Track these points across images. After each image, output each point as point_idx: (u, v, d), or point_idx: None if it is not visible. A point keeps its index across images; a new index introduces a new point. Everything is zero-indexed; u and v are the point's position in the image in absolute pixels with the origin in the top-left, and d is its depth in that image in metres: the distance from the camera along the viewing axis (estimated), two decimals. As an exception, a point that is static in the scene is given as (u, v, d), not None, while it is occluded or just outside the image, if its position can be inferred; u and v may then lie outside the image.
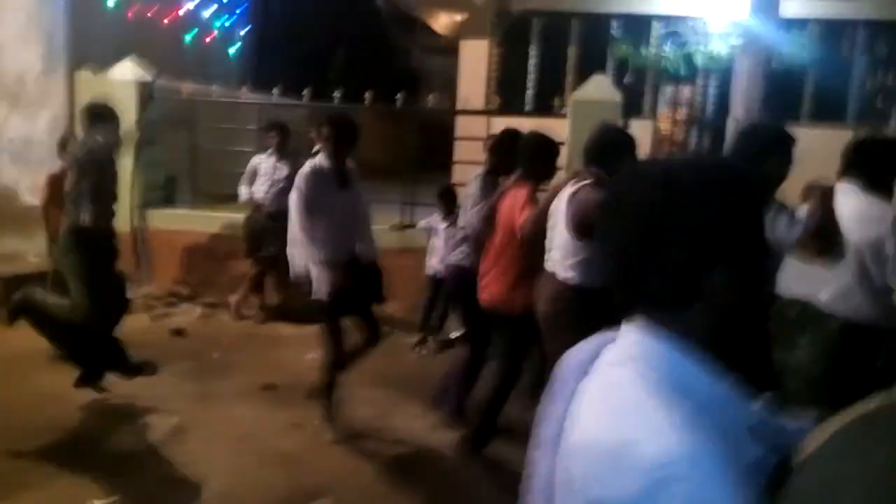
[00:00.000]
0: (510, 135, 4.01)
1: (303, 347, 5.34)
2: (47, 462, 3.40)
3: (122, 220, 6.30)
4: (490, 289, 3.56)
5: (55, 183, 5.00)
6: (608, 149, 3.06)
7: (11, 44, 6.81)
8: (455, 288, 4.24)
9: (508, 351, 3.62)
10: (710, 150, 9.09)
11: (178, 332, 5.47)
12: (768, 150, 2.63)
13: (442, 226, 5.42)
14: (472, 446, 3.64)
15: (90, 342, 4.04)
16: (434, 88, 14.03)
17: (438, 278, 5.47)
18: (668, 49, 9.24)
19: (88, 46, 6.94)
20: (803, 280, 2.67)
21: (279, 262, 6.02)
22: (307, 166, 3.76)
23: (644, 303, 0.90)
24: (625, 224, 0.88)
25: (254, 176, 6.00)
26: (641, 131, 7.02)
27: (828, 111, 8.86)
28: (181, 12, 9.59)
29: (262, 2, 12.03)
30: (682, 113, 9.81)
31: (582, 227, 2.94)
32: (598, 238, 0.95)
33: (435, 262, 5.47)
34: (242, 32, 11.43)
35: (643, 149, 7.07)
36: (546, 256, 3.19)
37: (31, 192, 6.67)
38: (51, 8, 6.84)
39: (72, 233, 3.84)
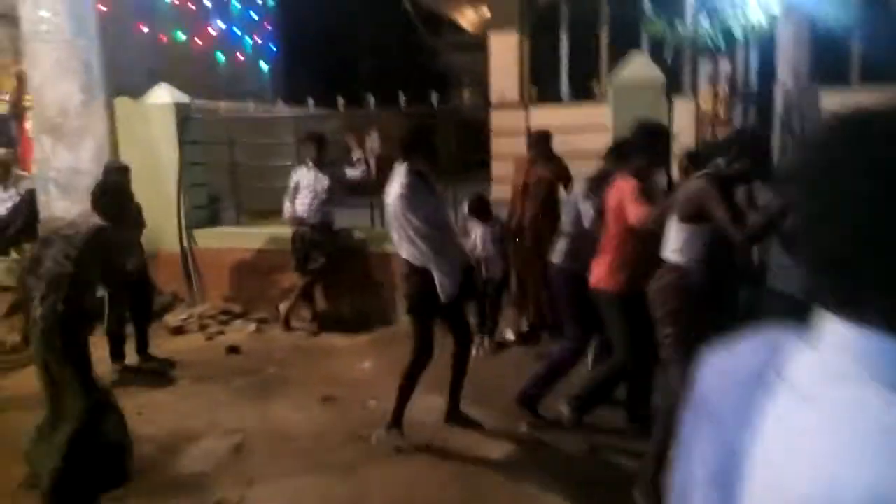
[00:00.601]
0: (619, 142, 4.12)
1: (356, 357, 5.33)
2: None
3: (171, 241, 6.40)
4: (597, 272, 3.62)
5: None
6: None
7: (51, 76, 6.94)
8: (565, 292, 4.09)
9: (621, 341, 3.62)
10: (758, 124, 8.76)
11: (233, 350, 5.49)
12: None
13: (480, 229, 5.33)
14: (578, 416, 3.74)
15: None
16: (465, 85, 13.97)
17: (485, 279, 5.41)
18: (704, 22, 8.94)
19: (124, 73, 7.06)
20: None
21: (327, 273, 6.06)
22: (405, 177, 3.65)
23: (874, 290, 0.65)
24: (853, 190, 0.66)
25: (296, 190, 5.99)
26: (684, 111, 6.83)
27: (878, 72, 8.45)
28: (212, 33, 9.71)
29: (290, 17, 12.13)
30: (723, 88, 9.50)
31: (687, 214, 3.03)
32: (803, 212, 0.71)
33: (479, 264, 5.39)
34: (273, 48, 11.53)
35: (686, 129, 6.90)
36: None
37: (82, 222, 6.81)
38: (86, 38, 6.95)
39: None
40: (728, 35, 8.83)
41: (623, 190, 3.46)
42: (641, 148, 3.51)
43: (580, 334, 4.02)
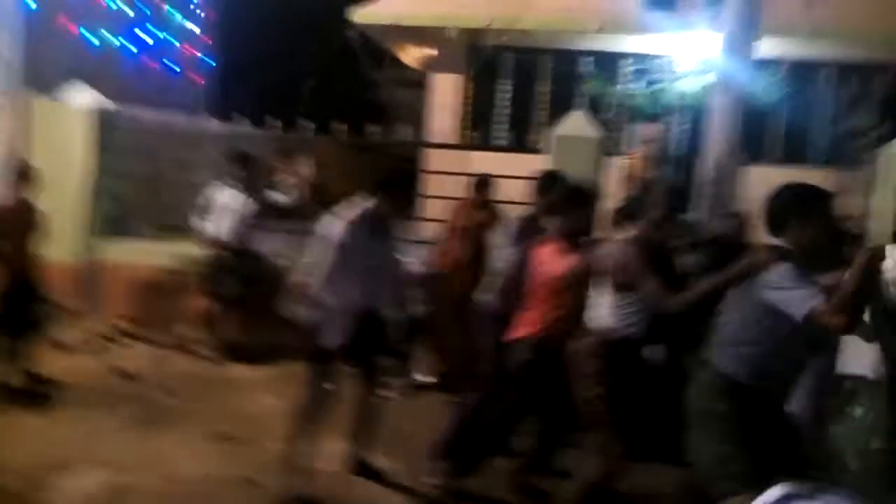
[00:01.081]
0: (552, 176, 4.05)
1: (258, 392, 5.02)
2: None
3: (70, 251, 5.94)
4: (523, 325, 3.51)
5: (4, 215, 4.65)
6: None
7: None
8: (490, 331, 3.96)
9: (517, 383, 3.50)
10: (679, 188, 9.04)
11: (125, 374, 5.07)
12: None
13: None
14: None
15: None
16: (401, 121, 13.95)
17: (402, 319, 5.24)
18: (638, 87, 9.23)
19: (45, 72, 6.62)
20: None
21: (240, 300, 5.73)
22: (354, 213, 3.57)
23: None
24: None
25: (214, 209, 5.68)
26: (616, 169, 6.95)
27: (797, 152, 8.91)
28: (147, 40, 9.34)
29: (230, 32, 11.85)
30: (650, 151, 9.79)
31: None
32: None
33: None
34: (209, 62, 11.20)
35: (614, 187, 7.01)
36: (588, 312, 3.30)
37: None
38: (7, 30, 6.51)
39: None
40: (660, 101, 9.18)
41: (549, 251, 3.45)
42: (569, 210, 3.49)
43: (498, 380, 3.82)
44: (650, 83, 9.15)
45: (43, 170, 4.97)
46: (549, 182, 3.92)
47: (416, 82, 11.28)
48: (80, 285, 6.13)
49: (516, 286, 3.66)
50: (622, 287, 3.08)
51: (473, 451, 3.62)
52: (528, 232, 3.82)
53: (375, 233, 3.60)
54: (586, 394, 3.14)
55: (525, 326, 3.49)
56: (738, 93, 6.54)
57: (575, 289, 3.34)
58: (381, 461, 3.88)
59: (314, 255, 3.56)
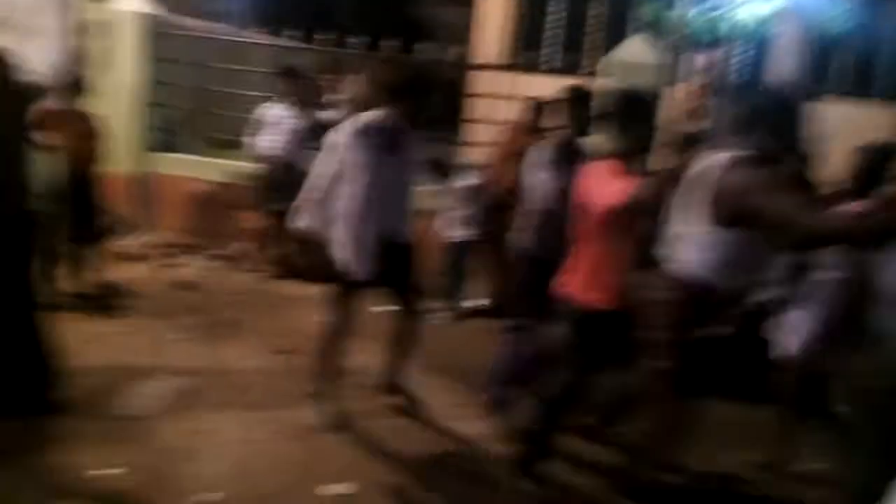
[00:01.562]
0: (584, 93, 3.44)
1: (313, 310, 5.09)
2: (48, 424, 3.17)
3: (124, 163, 5.99)
4: (571, 281, 2.94)
5: (50, 118, 4.66)
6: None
7: (6, -36, 6.34)
8: (527, 279, 3.48)
9: (577, 356, 2.95)
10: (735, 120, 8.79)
11: (183, 285, 5.21)
12: None
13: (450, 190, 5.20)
14: (521, 469, 3.09)
15: None
16: (448, 41, 13.58)
17: (454, 242, 5.29)
18: (699, 12, 8.84)
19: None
20: None
21: (288, 216, 5.78)
22: (357, 121, 3.22)
23: None
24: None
25: (265, 125, 5.66)
26: (670, 99, 6.75)
27: (864, 85, 8.55)
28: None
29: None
30: (705, 80, 9.47)
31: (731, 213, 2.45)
32: None
33: (448, 225, 5.29)
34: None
35: (670, 119, 6.83)
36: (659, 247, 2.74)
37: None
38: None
39: None
40: (720, 28, 8.80)
41: (601, 173, 2.83)
42: (628, 126, 2.89)
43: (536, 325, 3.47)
44: (711, 8, 8.77)
45: (95, 78, 4.96)
46: (582, 97, 3.41)
47: (464, 1, 10.91)
48: (133, 197, 6.22)
49: (556, 223, 3.16)
50: (725, 219, 2.45)
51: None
52: (566, 157, 3.32)
53: (385, 147, 3.22)
54: (654, 362, 2.69)
55: (579, 286, 2.88)
56: (805, 20, 6.26)
57: (641, 221, 2.76)
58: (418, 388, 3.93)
59: (317, 168, 3.27)
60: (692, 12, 8.71)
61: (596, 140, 3.24)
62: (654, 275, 2.68)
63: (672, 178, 2.74)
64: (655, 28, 8.74)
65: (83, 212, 4.84)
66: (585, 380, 2.98)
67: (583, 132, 3.36)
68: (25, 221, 3.26)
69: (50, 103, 4.75)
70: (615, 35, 7.82)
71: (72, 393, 3.45)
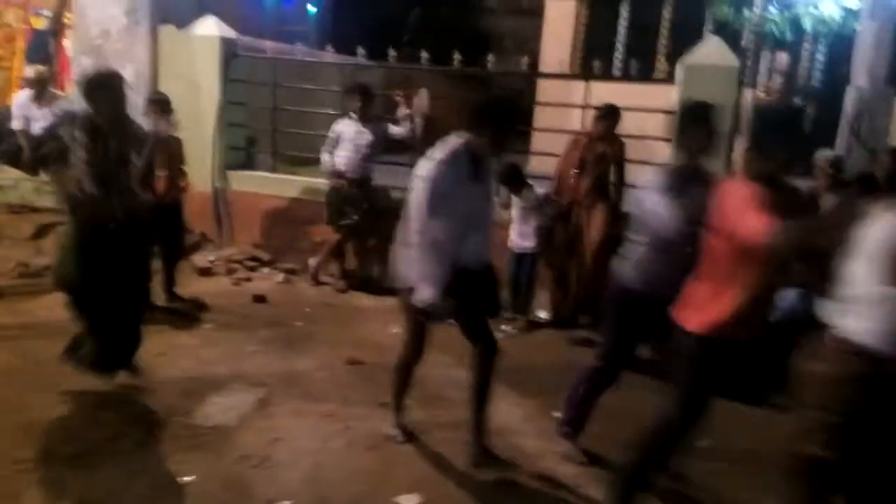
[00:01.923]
0: (705, 109, 3.03)
1: (383, 321, 5.18)
2: (132, 431, 3.31)
3: (203, 180, 6.24)
4: (686, 304, 2.65)
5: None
6: None
7: (97, -3, 6.75)
8: (622, 316, 3.18)
9: (687, 395, 2.66)
10: (817, 121, 8.42)
11: (260, 298, 5.36)
12: None
13: (518, 201, 5.16)
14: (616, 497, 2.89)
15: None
16: (509, 51, 13.60)
17: (518, 254, 5.26)
18: (773, 11, 8.54)
19: (172, 1, 6.82)
20: None
21: (361, 230, 5.89)
22: (445, 150, 3.02)
23: None
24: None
25: (337, 142, 5.79)
26: (747, 101, 6.54)
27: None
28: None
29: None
30: (779, 81, 9.14)
31: None
32: None
33: (514, 237, 5.26)
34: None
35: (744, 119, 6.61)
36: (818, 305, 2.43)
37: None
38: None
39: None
40: (796, 27, 8.48)
41: (737, 195, 2.47)
42: (772, 140, 2.62)
43: (618, 359, 3.24)
44: (785, 7, 8.46)
45: (173, 99, 5.19)
46: (703, 113, 3.01)
47: (528, 10, 10.90)
48: (210, 213, 6.46)
49: (672, 257, 2.89)
50: None
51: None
52: (686, 182, 2.98)
53: (472, 176, 3.05)
54: (807, 447, 2.31)
55: (700, 311, 2.57)
56: (887, 18, 5.96)
57: (784, 261, 2.47)
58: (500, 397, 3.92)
59: (412, 198, 3.04)
60: (766, 12, 8.42)
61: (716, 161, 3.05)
62: (817, 342, 2.33)
63: (836, 221, 2.45)
64: (727, 29, 8.51)
65: (170, 229, 5.08)
66: (698, 419, 2.67)
67: (704, 152, 3.02)
68: (142, 227, 3.71)
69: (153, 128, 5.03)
70: (686, 39, 7.63)
71: (153, 401, 3.61)
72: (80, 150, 3.43)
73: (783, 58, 8.79)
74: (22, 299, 5.03)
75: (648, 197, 3.04)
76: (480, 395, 3.28)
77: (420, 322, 3.27)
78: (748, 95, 6.66)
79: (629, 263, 3.12)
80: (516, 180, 5.13)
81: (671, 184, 3.00)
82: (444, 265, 3.01)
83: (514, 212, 5.22)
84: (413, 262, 3.05)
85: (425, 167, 2.99)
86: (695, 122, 2.99)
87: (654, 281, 2.96)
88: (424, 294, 3.01)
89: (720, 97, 5.13)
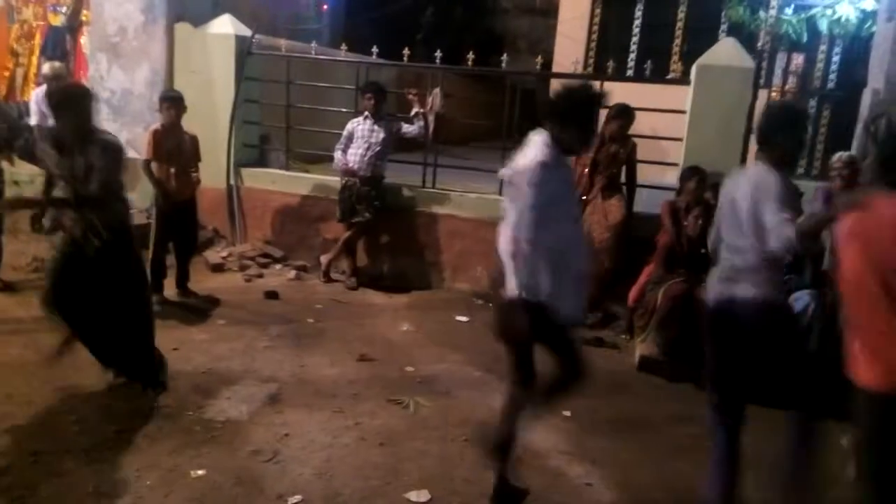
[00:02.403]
0: (798, 113, 2.83)
1: (394, 318, 5.21)
2: (144, 424, 3.34)
3: (216, 177, 6.28)
4: (854, 356, 2.12)
5: (158, 138, 4.96)
6: None
7: (114, -5, 6.81)
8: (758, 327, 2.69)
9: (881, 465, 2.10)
10: (832, 124, 8.36)
11: (272, 295, 5.39)
12: None
13: None
14: None
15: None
16: (521, 50, 13.60)
17: None
18: (789, 13, 8.47)
19: (188, 1, 6.87)
20: None
21: (372, 228, 5.92)
22: (539, 150, 2.71)
23: None
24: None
25: (349, 140, 5.82)
26: (760, 103, 6.49)
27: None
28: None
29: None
30: (794, 83, 9.08)
31: None
32: None
33: None
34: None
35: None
36: None
37: (129, 145, 6.71)
38: (152, -41, 6.76)
39: None
40: (812, 28, 8.40)
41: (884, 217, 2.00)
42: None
43: (730, 403, 2.77)
44: (801, 8, 8.39)
45: (188, 96, 5.23)
46: (792, 119, 2.71)
47: (541, 10, 10.89)
48: (223, 210, 6.50)
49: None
50: None
51: None
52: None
53: (565, 174, 2.85)
54: None
55: (864, 364, 2.07)
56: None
57: None
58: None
59: (509, 207, 2.75)
60: (781, 13, 8.36)
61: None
62: None
63: None
64: (741, 30, 8.45)
65: (184, 225, 5.12)
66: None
67: (791, 164, 2.80)
68: (129, 230, 3.66)
69: (156, 123, 5.07)
70: (699, 39, 7.61)
71: (165, 395, 3.64)
72: (51, 165, 3.48)
73: (799, 59, 8.72)
74: (36, 294, 5.07)
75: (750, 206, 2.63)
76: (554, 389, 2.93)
77: (527, 341, 2.81)
78: (763, 97, 6.61)
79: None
80: None
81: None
82: (565, 273, 2.72)
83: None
84: (527, 274, 2.66)
85: (527, 172, 2.67)
86: (785, 128, 2.67)
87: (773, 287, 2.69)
88: (571, 308, 2.74)
89: (735, 99, 5.14)
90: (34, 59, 7.44)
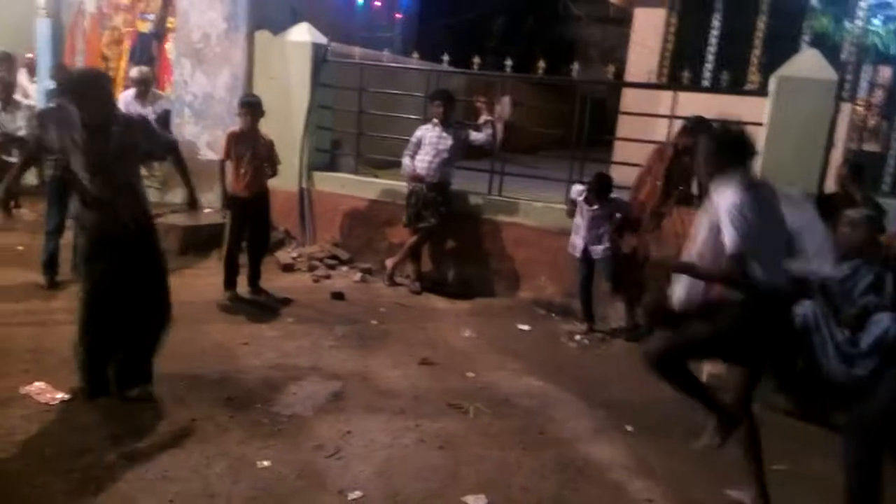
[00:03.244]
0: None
1: (456, 324, 5.25)
2: (216, 415, 3.47)
3: (289, 180, 6.47)
4: None
5: (235, 140, 5.16)
6: None
7: (200, 2, 7.11)
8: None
9: None
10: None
11: (339, 296, 5.52)
12: None
13: (587, 207, 5.11)
14: None
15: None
16: (593, 60, 13.47)
17: (586, 259, 5.21)
18: (876, 23, 8.12)
19: (268, 7, 7.11)
20: None
21: (437, 234, 5.98)
22: (739, 187, 2.75)
23: None
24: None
25: (418, 146, 5.90)
26: (842, 117, 6.25)
27: None
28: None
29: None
30: (882, 96, 8.67)
31: None
32: None
33: (582, 242, 5.19)
34: (408, -2, 11.42)
35: (839, 136, 6.31)
36: None
37: (209, 147, 7.01)
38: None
39: None
40: (901, 40, 8.02)
41: None
42: None
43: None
44: (889, 19, 8.03)
45: (265, 101, 5.41)
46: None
47: (614, 19, 10.78)
48: (295, 212, 6.69)
49: None
50: None
51: None
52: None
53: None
54: None
55: None
56: None
57: None
58: (575, 405, 3.90)
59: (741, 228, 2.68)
60: (868, 23, 8.01)
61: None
62: None
63: None
64: (825, 41, 8.14)
65: (256, 225, 5.31)
66: None
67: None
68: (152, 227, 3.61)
69: (235, 126, 5.28)
70: (781, 50, 7.37)
71: (237, 388, 3.78)
72: (79, 154, 3.29)
73: (886, 72, 8.34)
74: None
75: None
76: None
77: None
78: (846, 110, 6.37)
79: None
80: (607, 190, 5.09)
81: None
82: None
83: (583, 218, 5.16)
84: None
85: (733, 208, 2.69)
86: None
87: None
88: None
89: (815, 112, 4.97)
90: (122, 64, 7.83)
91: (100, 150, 3.29)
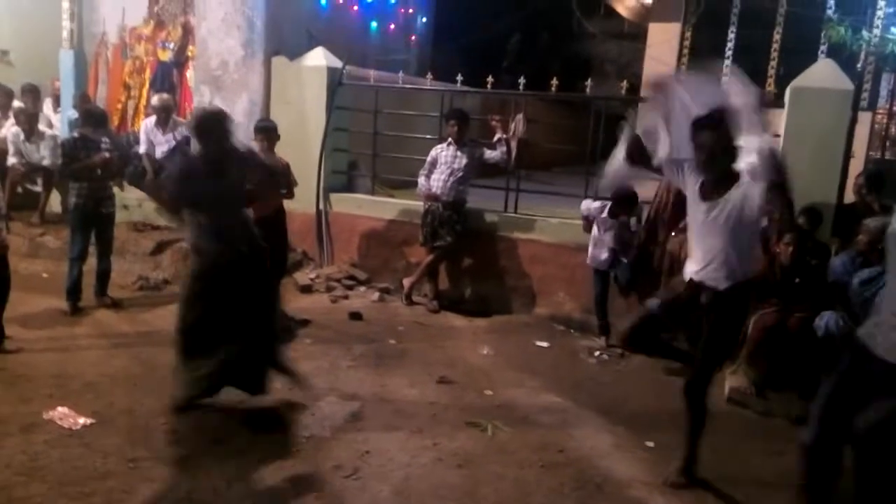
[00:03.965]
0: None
1: (474, 341, 5.24)
2: (236, 437, 3.49)
3: (306, 202, 6.54)
4: None
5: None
6: None
7: (218, 30, 7.25)
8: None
9: None
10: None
11: (356, 316, 5.54)
12: None
13: (604, 217, 5.13)
14: None
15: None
16: (607, 75, 13.49)
17: (603, 271, 5.22)
18: (895, 32, 8.04)
19: (284, 33, 7.23)
20: None
21: (454, 252, 6.00)
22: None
23: None
24: None
25: (433, 166, 5.95)
26: (861, 127, 6.18)
27: None
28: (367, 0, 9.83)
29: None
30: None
31: None
32: None
33: (598, 254, 5.20)
34: (422, 19, 11.54)
35: (859, 146, 6.23)
36: None
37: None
38: (253, -1, 7.18)
39: None
40: (920, 48, 7.94)
41: None
42: None
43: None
44: (910, 26, 7.96)
45: (282, 125, 5.49)
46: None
47: (629, 34, 10.81)
48: (313, 233, 6.75)
49: None
50: None
51: None
52: None
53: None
54: None
55: None
56: None
57: None
58: (596, 422, 3.87)
59: None
60: (887, 33, 7.95)
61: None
62: None
63: None
64: (842, 52, 8.09)
65: (273, 246, 5.34)
66: None
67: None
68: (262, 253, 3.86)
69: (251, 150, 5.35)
70: (800, 61, 7.33)
71: (252, 411, 3.80)
72: (202, 188, 3.57)
73: (904, 79, 8.25)
74: (141, 310, 5.44)
75: None
76: None
77: None
78: (865, 120, 6.30)
79: None
80: (633, 206, 5.11)
81: None
82: None
83: (601, 231, 5.16)
84: None
85: None
86: None
87: None
88: None
89: (831, 122, 4.93)
90: (144, 92, 7.99)
91: (221, 184, 3.60)
